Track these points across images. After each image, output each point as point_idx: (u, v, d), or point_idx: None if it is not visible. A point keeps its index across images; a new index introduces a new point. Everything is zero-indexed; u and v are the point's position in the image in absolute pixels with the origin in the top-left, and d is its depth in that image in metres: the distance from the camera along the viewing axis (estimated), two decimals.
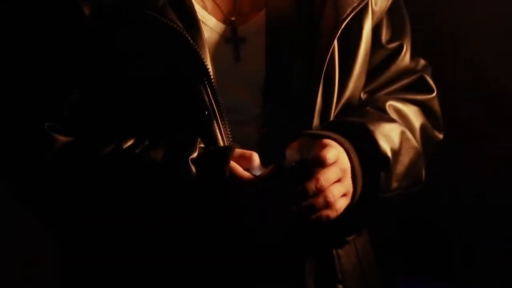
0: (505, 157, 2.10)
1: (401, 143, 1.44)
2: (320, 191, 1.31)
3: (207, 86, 1.35)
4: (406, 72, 1.55)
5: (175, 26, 1.33)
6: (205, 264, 1.37)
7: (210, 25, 1.42)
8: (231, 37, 1.42)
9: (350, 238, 1.46)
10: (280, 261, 1.40)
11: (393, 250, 2.20)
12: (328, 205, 1.32)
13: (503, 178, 2.13)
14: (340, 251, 1.45)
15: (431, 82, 1.56)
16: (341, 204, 1.34)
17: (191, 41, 1.34)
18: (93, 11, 1.33)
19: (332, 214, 1.33)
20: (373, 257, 1.56)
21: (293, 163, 1.31)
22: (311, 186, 1.30)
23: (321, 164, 1.32)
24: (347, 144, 1.38)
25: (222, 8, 1.43)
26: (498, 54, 2.07)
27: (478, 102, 2.10)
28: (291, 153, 1.35)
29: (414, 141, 1.47)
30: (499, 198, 2.17)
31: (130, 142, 1.35)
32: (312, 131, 1.39)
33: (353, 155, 1.38)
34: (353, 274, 1.47)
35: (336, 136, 1.37)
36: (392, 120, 1.46)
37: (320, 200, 1.31)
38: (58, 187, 1.35)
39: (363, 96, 1.50)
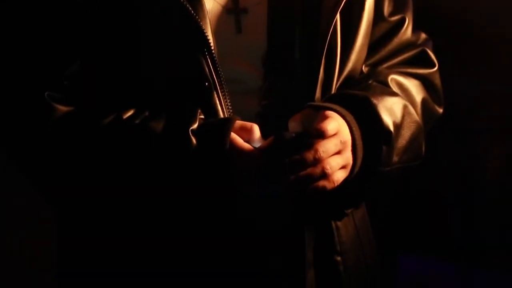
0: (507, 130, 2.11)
1: (403, 117, 1.44)
2: (318, 161, 1.31)
3: (207, 57, 1.35)
4: (407, 45, 1.55)
5: None
6: (205, 237, 1.37)
7: None
8: (233, 8, 1.42)
9: (349, 210, 1.46)
10: (279, 234, 1.40)
11: (391, 226, 2.20)
12: (325, 176, 1.32)
13: (505, 153, 2.13)
14: (339, 223, 1.45)
15: (432, 56, 1.56)
16: (339, 176, 1.34)
17: (192, 12, 1.33)
18: None
19: (329, 185, 1.33)
20: (371, 231, 1.56)
21: (293, 134, 1.31)
22: (309, 156, 1.30)
23: (321, 135, 1.32)
24: (349, 117, 1.38)
25: None
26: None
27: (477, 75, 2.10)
28: (294, 125, 1.35)
29: (415, 115, 1.46)
30: (500, 174, 2.17)
31: (130, 113, 1.35)
32: (315, 103, 1.39)
33: (355, 128, 1.37)
34: (352, 246, 1.47)
35: (338, 108, 1.37)
36: (394, 94, 1.46)
37: (318, 171, 1.31)
38: (57, 156, 1.35)
39: (364, 69, 1.50)
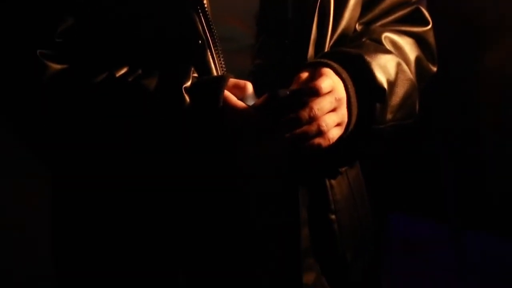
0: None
1: (397, 74, 1.43)
2: (313, 119, 1.31)
3: (201, 14, 1.34)
4: (401, 3, 1.54)
5: None
6: (198, 195, 1.37)
7: None
8: None
9: (343, 169, 1.46)
10: (273, 192, 1.41)
11: (385, 187, 2.21)
12: (321, 133, 1.32)
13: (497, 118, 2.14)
14: (333, 181, 1.45)
15: (426, 14, 1.55)
16: (334, 133, 1.34)
17: None
18: None
19: (324, 142, 1.33)
20: (365, 190, 1.56)
21: (287, 92, 1.31)
22: (304, 114, 1.30)
23: (316, 93, 1.31)
24: (345, 74, 1.37)
25: None
26: None
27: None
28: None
29: (409, 73, 1.46)
30: (491, 135, 2.18)
31: (123, 71, 1.34)
32: (311, 61, 1.38)
33: (350, 86, 1.37)
34: (346, 205, 1.47)
35: (335, 65, 1.37)
36: (388, 52, 1.45)
37: (313, 128, 1.31)
38: (50, 114, 1.34)
39: (358, 27, 1.49)
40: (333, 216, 1.45)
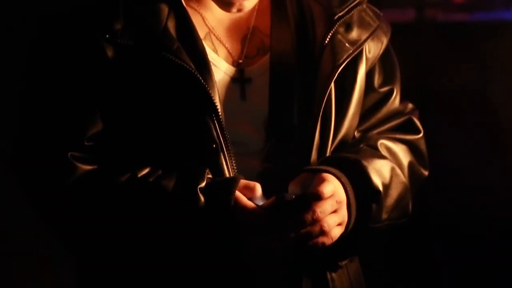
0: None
1: (391, 178, 1.55)
2: (316, 221, 1.43)
3: (215, 121, 1.47)
4: (396, 114, 1.66)
5: (187, 67, 1.45)
6: (208, 285, 1.47)
7: (220, 66, 1.54)
8: (238, 78, 1.54)
9: (343, 263, 1.56)
10: (279, 284, 1.51)
11: (383, 277, 2.28)
12: (323, 233, 1.44)
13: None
14: (334, 274, 1.55)
15: (418, 124, 1.68)
16: (336, 232, 1.47)
17: (202, 81, 1.46)
18: (115, 52, 1.46)
19: (327, 241, 1.45)
20: (364, 283, 1.66)
21: (294, 196, 1.43)
22: (308, 217, 1.43)
23: (318, 198, 1.44)
24: (344, 178, 1.50)
25: (232, 52, 1.56)
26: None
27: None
28: (293, 187, 1.47)
29: (402, 177, 1.58)
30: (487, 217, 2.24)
31: (145, 171, 1.46)
32: (313, 167, 1.51)
33: (349, 188, 1.50)
34: None
35: (334, 170, 1.49)
36: (383, 157, 1.57)
37: (316, 229, 1.43)
38: (77, 212, 1.46)
39: (356, 134, 1.62)
40: None
